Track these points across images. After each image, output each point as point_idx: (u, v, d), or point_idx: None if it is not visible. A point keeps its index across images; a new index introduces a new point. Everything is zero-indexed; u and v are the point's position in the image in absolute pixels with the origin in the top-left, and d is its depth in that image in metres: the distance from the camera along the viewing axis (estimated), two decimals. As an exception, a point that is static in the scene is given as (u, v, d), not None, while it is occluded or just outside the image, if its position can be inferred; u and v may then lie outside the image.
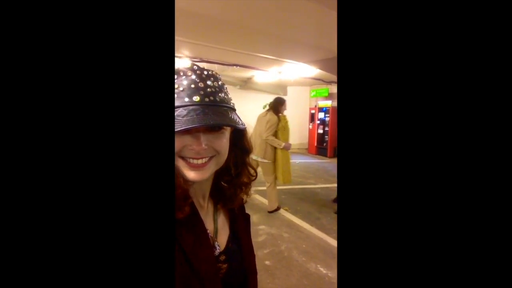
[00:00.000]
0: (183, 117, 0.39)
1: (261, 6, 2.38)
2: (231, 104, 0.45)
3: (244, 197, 0.56)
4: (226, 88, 0.46)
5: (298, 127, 7.39)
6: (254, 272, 0.56)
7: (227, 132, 0.46)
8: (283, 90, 7.26)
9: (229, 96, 0.46)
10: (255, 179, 0.55)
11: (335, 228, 2.79)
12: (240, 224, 0.57)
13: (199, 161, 0.43)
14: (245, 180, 0.54)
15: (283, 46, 3.56)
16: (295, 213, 3.13)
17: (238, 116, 0.45)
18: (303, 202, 3.50)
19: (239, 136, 0.51)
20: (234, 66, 4.78)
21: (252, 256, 0.57)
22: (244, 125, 0.45)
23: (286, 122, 3.03)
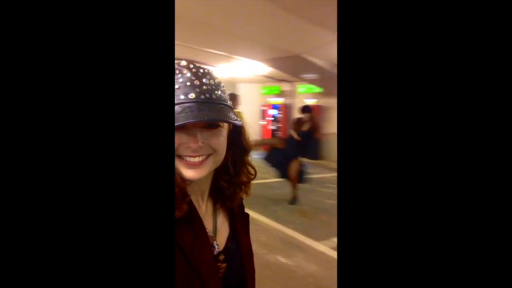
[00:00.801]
0: (178, 114, 0.38)
1: (213, 1, 2.33)
2: (228, 102, 0.45)
3: (244, 195, 0.55)
4: (223, 86, 0.45)
5: (249, 123, 7.42)
6: (253, 272, 0.56)
7: (224, 129, 0.46)
8: (232, 87, 7.26)
9: (226, 94, 0.45)
10: (254, 178, 0.55)
11: (291, 218, 2.96)
12: (239, 224, 0.56)
13: (196, 159, 0.42)
14: (245, 179, 0.53)
15: (235, 43, 3.55)
16: (251, 207, 3.20)
17: (235, 114, 0.45)
18: (258, 196, 3.59)
19: (237, 134, 0.51)
20: (180, 61, 4.56)
21: (251, 255, 0.56)
22: (241, 122, 0.45)
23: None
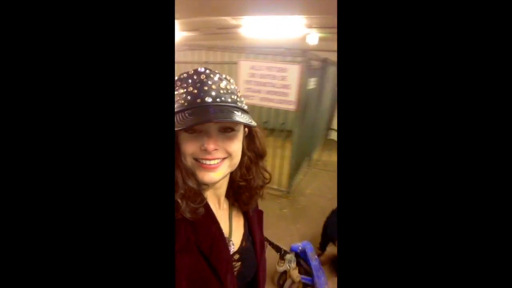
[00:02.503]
0: (194, 116, 0.40)
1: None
2: (245, 106, 0.46)
3: (259, 199, 0.56)
4: (238, 91, 0.47)
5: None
6: (264, 263, 0.59)
7: (239, 133, 0.47)
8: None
9: (242, 99, 0.46)
10: (269, 182, 0.56)
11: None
12: (253, 222, 0.58)
13: (212, 162, 0.44)
14: (260, 183, 0.54)
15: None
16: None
17: (250, 118, 0.45)
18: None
19: (252, 139, 0.52)
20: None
21: (263, 247, 0.60)
22: (255, 124, 0.45)
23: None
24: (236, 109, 0.43)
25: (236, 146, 0.46)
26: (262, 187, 0.55)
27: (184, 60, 2.92)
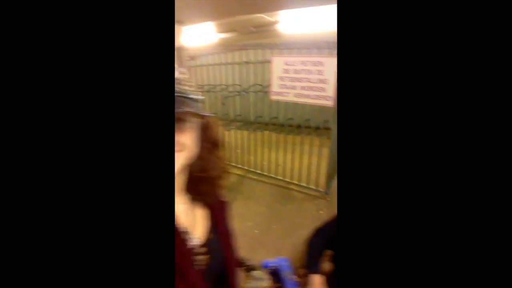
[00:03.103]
0: None
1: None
2: (197, 96, 0.45)
3: (219, 189, 0.56)
4: (188, 80, 0.46)
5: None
6: (234, 258, 0.58)
7: (192, 124, 0.46)
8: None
9: (193, 89, 0.46)
10: (227, 171, 0.56)
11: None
12: (216, 214, 0.57)
13: None
14: (219, 173, 0.53)
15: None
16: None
17: (202, 107, 0.44)
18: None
19: (205, 129, 0.51)
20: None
21: (232, 242, 0.58)
22: (207, 113, 0.44)
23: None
24: (185, 99, 0.42)
25: (187, 137, 0.44)
26: (221, 177, 0.54)
27: (219, 61, 2.99)
